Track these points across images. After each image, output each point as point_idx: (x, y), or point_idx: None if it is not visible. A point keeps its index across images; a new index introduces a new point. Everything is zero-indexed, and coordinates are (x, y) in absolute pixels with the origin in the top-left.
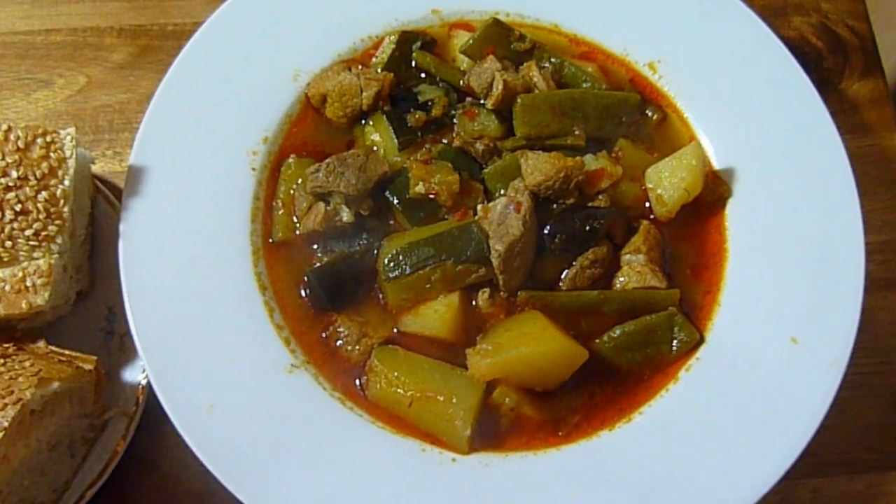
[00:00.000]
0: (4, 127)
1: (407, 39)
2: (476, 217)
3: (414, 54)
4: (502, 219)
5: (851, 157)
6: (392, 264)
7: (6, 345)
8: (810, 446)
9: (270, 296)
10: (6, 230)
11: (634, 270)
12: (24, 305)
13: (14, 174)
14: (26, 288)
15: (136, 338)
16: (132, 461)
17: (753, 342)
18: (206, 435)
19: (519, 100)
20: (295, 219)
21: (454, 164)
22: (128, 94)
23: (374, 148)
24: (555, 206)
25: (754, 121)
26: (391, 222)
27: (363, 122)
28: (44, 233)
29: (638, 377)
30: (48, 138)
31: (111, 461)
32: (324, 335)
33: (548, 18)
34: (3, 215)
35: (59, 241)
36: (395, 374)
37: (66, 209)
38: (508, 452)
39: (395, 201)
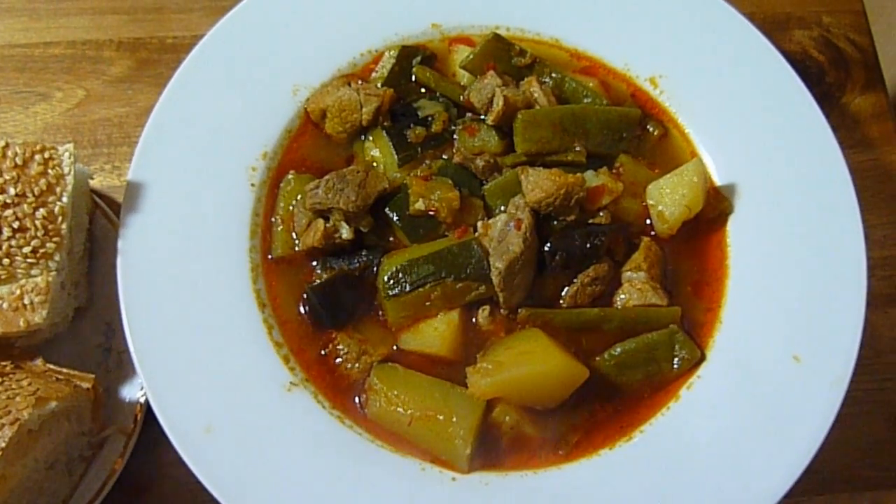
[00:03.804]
0: (2, 143)
1: (407, 54)
2: (476, 234)
3: (414, 69)
4: (503, 236)
5: (853, 172)
6: (392, 282)
7: (3, 363)
8: (813, 464)
9: (269, 313)
10: (4, 248)
11: (635, 288)
12: (21, 323)
13: (12, 191)
14: (24, 306)
15: (134, 355)
16: (130, 480)
17: (755, 360)
18: (204, 453)
19: (519, 115)
20: (294, 235)
21: (454, 180)
22: (126, 107)
23: (374, 164)
24: (555, 222)
25: (756, 136)
26: (391, 239)
27: (363, 137)
28: (42, 250)
29: (639, 395)
30: (46, 154)
31: (109, 479)
32: (323, 353)
33: (549, 33)
34: (1, 233)
35: (57, 258)
36: (395, 392)
37: (64, 226)
38: (509, 471)
39: (395, 218)
